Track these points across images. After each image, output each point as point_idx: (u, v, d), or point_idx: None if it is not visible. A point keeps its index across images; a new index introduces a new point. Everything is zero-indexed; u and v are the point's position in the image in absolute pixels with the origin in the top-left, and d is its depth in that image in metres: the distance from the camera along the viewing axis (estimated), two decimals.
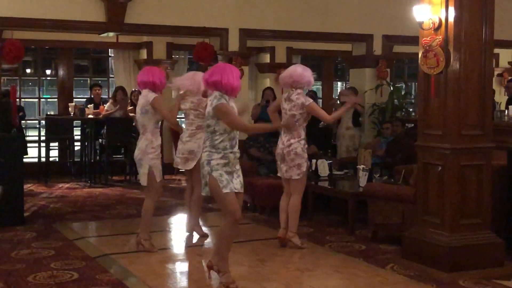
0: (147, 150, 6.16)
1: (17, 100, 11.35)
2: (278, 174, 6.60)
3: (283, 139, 6.38)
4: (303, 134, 6.40)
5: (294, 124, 6.25)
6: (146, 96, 6.20)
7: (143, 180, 6.25)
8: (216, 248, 5.29)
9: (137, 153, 6.26)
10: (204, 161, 5.00)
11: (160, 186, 6.45)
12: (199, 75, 6.48)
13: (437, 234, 5.67)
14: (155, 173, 6.20)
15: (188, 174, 6.94)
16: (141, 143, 6.20)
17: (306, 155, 6.41)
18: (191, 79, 6.67)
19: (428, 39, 5.70)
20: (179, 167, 6.88)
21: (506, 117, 8.36)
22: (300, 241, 6.43)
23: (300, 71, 6.41)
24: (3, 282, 5.29)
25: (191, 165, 6.67)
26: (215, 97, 4.99)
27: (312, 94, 11.81)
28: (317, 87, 15.49)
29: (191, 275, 5.79)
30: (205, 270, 5.44)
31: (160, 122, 6.47)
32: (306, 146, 6.48)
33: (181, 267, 6.05)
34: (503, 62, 14.28)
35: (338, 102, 10.85)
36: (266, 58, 13.16)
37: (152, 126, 6.21)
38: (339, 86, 16.21)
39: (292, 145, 6.32)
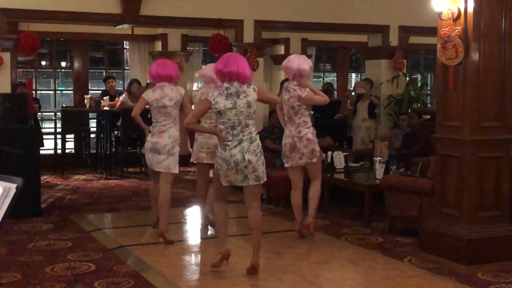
0: (178, 140, 6.36)
1: (33, 92, 11.39)
2: (286, 165, 6.56)
3: (291, 129, 6.42)
4: (309, 121, 6.48)
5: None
6: (178, 90, 6.30)
7: (175, 167, 6.30)
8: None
9: (168, 142, 6.28)
10: (257, 150, 5.14)
11: None
12: None
13: (455, 227, 5.62)
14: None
15: (207, 168, 6.89)
16: (173, 133, 6.31)
17: (317, 140, 6.49)
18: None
19: (446, 29, 5.63)
20: (204, 161, 6.76)
21: None
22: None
23: (298, 61, 6.39)
24: (21, 273, 5.32)
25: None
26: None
27: (328, 86, 11.80)
28: (331, 78, 15.43)
29: (208, 266, 5.78)
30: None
31: None
32: (315, 132, 6.53)
33: (197, 259, 6.05)
34: None
35: (353, 93, 10.80)
36: (281, 50, 13.11)
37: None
38: (354, 77, 16.13)
39: (302, 132, 6.37)
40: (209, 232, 6.80)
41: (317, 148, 6.48)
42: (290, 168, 6.54)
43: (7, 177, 2.36)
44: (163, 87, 6.28)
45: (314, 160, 6.47)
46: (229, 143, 5.09)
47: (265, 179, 5.25)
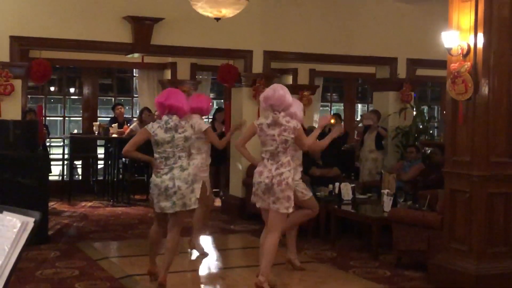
0: (202, 168, 6.87)
1: (42, 118, 11.46)
2: (257, 205, 5.61)
3: (269, 168, 5.46)
4: (292, 162, 5.58)
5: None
6: (200, 124, 6.73)
7: (197, 193, 6.38)
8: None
9: (191, 170, 6.30)
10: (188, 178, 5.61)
11: (210, 199, 7.23)
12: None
13: (464, 262, 5.61)
14: (207, 186, 6.98)
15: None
16: (196, 161, 6.80)
17: (293, 186, 5.61)
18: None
19: (456, 65, 5.68)
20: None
21: None
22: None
23: (283, 93, 5.60)
24: None
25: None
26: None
27: (336, 117, 11.82)
28: (337, 107, 15.49)
29: None
30: None
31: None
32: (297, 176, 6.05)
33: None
34: None
35: (361, 125, 10.83)
36: (289, 80, 13.16)
37: (207, 147, 6.98)
38: (360, 108, 16.18)
39: (284, 175, 5.43)
40: (208, 261, 6.80)
41: (292, 197, 5.50)
42: (262, 209, 5.63)
43: (25, 210, 2.38)
44: (198, 122, 6.74)
45: (284, 211, 5.46)
46: (161, 170, 5.52)
47: (194, 206, 5.62)
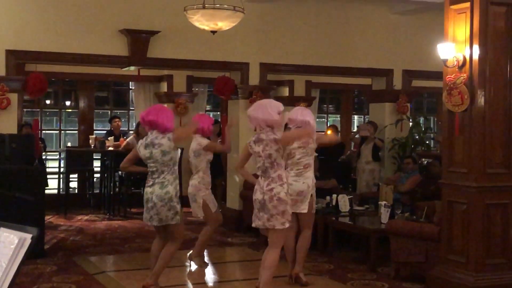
0: (199, 186, 6.95)
1: (38, 132, 11.45)
2: (253, 225, 5.57)
3: (262, 184, 5.43)
4: (284, 176, 5.49)
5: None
6: (198, 141, 6.96)
7: (199, 212, 7.03)
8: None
9: (190, 189, 7.02)
10: (164, 197, 5.72)
11: (218, 214, 7.21)
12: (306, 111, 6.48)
13: (462, 274, 5.60)
14: (209, 204, 7.00)
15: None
16: (194, 181, 7.00)
17: (289, 201, 5.50)
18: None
19: (452, 76, 5.70)
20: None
21: None
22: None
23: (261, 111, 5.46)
24: None
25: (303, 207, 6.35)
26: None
27: (332, 129, 11.83)
28: (334, 119, 15.51)
29: None
30: None
31: (209, 162, 7.07)
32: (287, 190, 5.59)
33: None
34: None
35: (357, 136, 10.84)
36: (285, 92, 13.18)
37: (204, 165, 6.99)
38: (356, 119, 16.21)
39: (274, 190, 5.34)
40: (205, 274, 6.78)
41: (289, 210, 5.44)
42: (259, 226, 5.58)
43: (22, 227, 2.37)
44: (197, 142, 7.04)
45: (281, 227, 5.38)
46: (148, 182, 5.81)
47: (171, 222, 5.68)
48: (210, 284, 6.61)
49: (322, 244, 7.97)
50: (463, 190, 5.64)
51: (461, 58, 5.66)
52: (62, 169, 11.72)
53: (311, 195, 6.34)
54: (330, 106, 15.83)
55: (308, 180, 6.30)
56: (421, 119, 12.98)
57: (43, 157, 11.56)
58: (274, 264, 5.43)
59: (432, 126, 15.23)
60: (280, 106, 5.51)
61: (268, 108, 5.39)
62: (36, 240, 2.30)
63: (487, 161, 5.58)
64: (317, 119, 14.95)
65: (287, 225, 5.39)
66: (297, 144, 6.23)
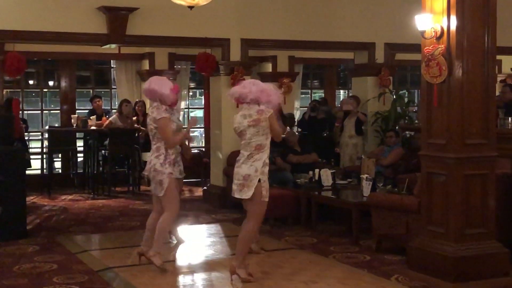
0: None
1: (20, 112, 11.36)
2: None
3: (150, 157, 6.09)
4: (162, 147, 5.95)
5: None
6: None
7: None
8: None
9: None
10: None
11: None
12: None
13: (442, 244, 5.62)
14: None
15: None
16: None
17: (167, 171, 5.90)
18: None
19: (430, 48, 5.67)
20: (234, 195, 5.70)
21: (510, 125, 8.30)
22: (160, 262, 5.99)
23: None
24: None
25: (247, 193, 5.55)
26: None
27: (315, 104, 11.83)
28: (319, 95, 15.48)
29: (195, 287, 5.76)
30: (209, 284, 5.41)
31: None
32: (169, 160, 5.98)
33: (184, 280, 6.00)
34: (506, 69, 14.24)
35: (341, 110, 10.82)
36: (269, 68, 13.15)
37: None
38: (342, 94, 16.19)
39: (152, 162, 5.98)
40: (189, 251, 6.79)
41: (166, 180, 5.88)
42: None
43: None
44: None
45: (160, 194, 5.97)
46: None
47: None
48: (196, 260, 6.61)
49: (305, 219, 8.01)
50: (442, 161, 5.64)
51: (438, 29, 5.62)
52: (45, 149, 11.65)
53: (260, 181, 5.48)
54: (314, 81, 15.79)
55: (256, 163, 5.49)
56: (405, 93, 12.96)
57: (26, 138, 11.48)
58: (246, 236, 5.62)
59: (415, 99, 15.24)
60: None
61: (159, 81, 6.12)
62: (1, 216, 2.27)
63: (465, 132, 5.57)
64: (301, 95, 14.95)
65: (161, 194, 5.99)
66: (248, 122, 5.55)
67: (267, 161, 5.57)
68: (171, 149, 6.05)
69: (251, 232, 5.60)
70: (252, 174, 5.44)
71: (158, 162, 5.96)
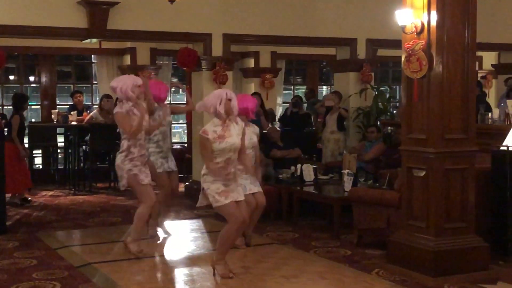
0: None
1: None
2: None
3: None
4: (125, 145, 6.20)
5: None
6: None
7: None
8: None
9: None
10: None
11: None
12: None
13: (422, 239, 5.66)
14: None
15: None
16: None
17: (126, 167, 6.16)
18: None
19: (410, 43, 5.70)
20: None
21: (489, 120, 8.38)
22: (136, 249, 6.24)
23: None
24: None
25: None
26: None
27: (297, 99, 11.85)
28: (302, 91, 15.50)
29: (176, 284, 5.73)
30: (190, 279, 5.39)
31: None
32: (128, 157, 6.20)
33: (165, 276, 5.98)
34: (487, 65, 14.35)
35: (322, 106, 10.84)
36: (251, 63, 13.13)
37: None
38: (324, 90, 16.21)
39: (116, 157, 6.36)
40: (172, 246, 6.77)
41: (124, 176, 6.21)
42: None
43: None
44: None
45: (121, 188, 6.42)
46: None
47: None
48: (177, 256, 6.59)
49: (287, 214, 8.01)
50: (422, 156, 5.67)
51: (419, 24, 5.65)
52: (25, 145, 11.52)
53: (204, 189, 5.59)
54: (297, 77, 15.80)
55: (204, 171, 5.61)
56: (387, 89, 13.01)
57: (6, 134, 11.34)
58: (140, 216, 6.27)
59: (397, 95, 15.31)
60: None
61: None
62: None
63: (445, 127, 5.60)
64: (284, 91, 14.95)
65: (121, 188, 6.45)
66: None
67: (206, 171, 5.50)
68: (135, 147, 6.20)
69: (228, 232, 5.54)
70: (203, 184, 5.56)
71: (120, 158, 6.25)
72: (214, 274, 5.62)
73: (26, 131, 11.13)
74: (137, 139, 6.24)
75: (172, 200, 7.67)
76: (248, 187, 6.45)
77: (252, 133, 6.59)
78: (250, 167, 5.96)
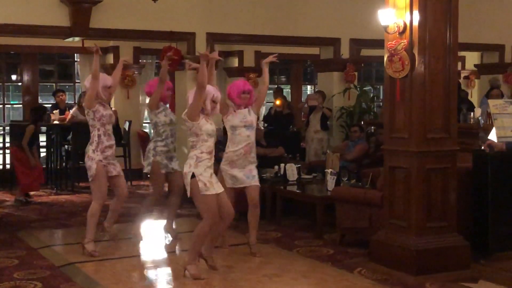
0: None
1: None
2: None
3: None
4: (95, 136, 6.40)
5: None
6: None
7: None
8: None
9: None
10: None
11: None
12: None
13: (404, 238, 5.69)
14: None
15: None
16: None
17: (97, 157, 6.35)
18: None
19: (393, 43, 5.72)
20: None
21: (471, 119, 8.44)
22: (91, 249, 6.36)
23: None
24: None
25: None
26: None
27: (283, 100, 11.85)
28: (286, 91, 15.52)
29: (158, 283, 5.71)
30: (172, 278, 5.37)
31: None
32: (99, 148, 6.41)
33: (147, 275, 5.95)
34: (469, 65, 14.45)
35: (306, 105, 10.86)
36: (235, 62, 13.12)
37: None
38: (309, 89, 16.25)
39: (86, 149, 6.48)
40: (154, 246, 6.75)
41: (93, 166, 6.35)
42: None
43: None
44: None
45: (89, 180, 6.46)
46: None
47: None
48: (160, 255, 6.57)
49: (270, 213, 8.01)
50: (404, 155, 5.70)
51: (401, 24, 5.67)
52: (7, 144, 11.44)
53: (195, 176, 5.48)
54: (281, 76, 15.82)
55: (190, 160, 5.58)
56: (370, 88, 13.06)
57: None
58: (92, 214, 6.53)
59: (381, 95, 15.38)
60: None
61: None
62: None
63: (427, 127, 5.63)
64: (268, 90, 14.92)
65: (90, 180, 6.41)
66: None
67: (205, 156, 5.47)
68: (104, 136, 6.42)
69: (202, 229, 5.47)
70: (186, 172, 5.47)
71: (91, 149, 6.39)
72: (184, 275, 5.53)
73: (8, 130, 11.06)
74: (106, 129, 6.43)
75: (177, 199, 7.43)
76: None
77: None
78: None
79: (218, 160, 8.33)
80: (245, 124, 6.22)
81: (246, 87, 6.34)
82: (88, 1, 8.77)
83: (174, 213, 7.29)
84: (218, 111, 5.73)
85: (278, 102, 11.89)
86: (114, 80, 6.83)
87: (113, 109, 6.90)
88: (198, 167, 5.42)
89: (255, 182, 6.34)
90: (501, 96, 10.42)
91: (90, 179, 6.44)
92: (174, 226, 7.27)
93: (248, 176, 6.31)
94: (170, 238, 7.12)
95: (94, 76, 6.41)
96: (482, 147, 6.60)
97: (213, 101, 5.56)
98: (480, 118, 8.22)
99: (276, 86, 15.41)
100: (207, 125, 5.46)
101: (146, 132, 12.77)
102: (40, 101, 12.53)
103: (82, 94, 10.93)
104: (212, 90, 5.59)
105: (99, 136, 6.38)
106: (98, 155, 6.36)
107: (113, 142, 6.53)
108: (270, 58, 6.59)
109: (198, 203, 5.49)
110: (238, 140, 6.21)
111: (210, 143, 5.50)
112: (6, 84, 12.95)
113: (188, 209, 8.99)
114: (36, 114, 9.77)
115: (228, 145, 6.33)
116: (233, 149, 6.23)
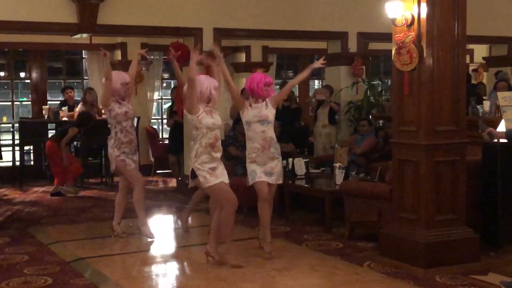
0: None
1: None
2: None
3: None
4: (112, 133, 6.82)
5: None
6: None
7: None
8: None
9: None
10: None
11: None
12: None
13: (413, 231, 5.68)
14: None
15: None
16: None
17: (115, 153, 6.76)
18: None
19: (401, 35, 5.70)
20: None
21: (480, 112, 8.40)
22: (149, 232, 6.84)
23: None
24: None
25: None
26: None
27: (290, 95, 11.82)
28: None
29: (168, 277, 5.73)
30: (182, 272, 5.40)
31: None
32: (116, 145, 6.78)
33: (157, 270, 5.97)
34: (478, 58, 14.38)
35: (313, 100, 10.84)
36: (242, 58, 13.10)
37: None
38: (316, 84, 16.21)
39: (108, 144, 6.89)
40: (164, 241, 6.77)
41: (113, 161, 6.83)
42: None
43: None
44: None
45: (111, 172, 7.16)
46: None
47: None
48: (169, 250, 6.59)
49: (279, 208, 8.01)
50: (413, 148, 5.68)
51: (409, 17, 5.65)
52: (16, 141, 11.49)
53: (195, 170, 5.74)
54: (288, 71, 15.79)
55: (192, 154, 5.86)
56: (378, 82, 13.02)
57: None
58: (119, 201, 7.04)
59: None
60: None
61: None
62: None
63: (435, 119, 5.61)
64: (275, 86, 14.91)
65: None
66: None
67: (205, 149, 5.62)
68: (121, 133, 6.79)
69: (224, 216, 5.69)
70: (192, 166, 5.69)
71: (109, 145, 6.83)
72: (207, 261, 5.72)
73: (17, 127, 11.11)
74: (123, 126, 6.77)
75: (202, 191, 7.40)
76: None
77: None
78: None
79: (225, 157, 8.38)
80: (259, 119, 6.16)
81: (267, 79, 6.31)
82: None
83: (195, 206, 7.46)
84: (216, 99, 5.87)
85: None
86: (131, 76, 7.09)
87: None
88: (196, 161, 5.62)
89: (273, 181, 6.24)
90: (507, 88, 10.36)
91: (111, 171, 7.35)
92: (190, 221, 7.36)
93: (267, 173, 6.22)
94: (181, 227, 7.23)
95: (107, 77, 6.72)
96: (483, 136, 6.59)
97: (215, 90, 5.74)
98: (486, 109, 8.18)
99: (281, 80, 15.46)
100: (207, 119, 5.56)
101: (154, 128, 12.79)
102: (48, 98, 12.55)
103: (86, 90, 10.98)
104: (209, 80, 5.76)
105: (115, 133, 6.79)
106: (115, 151, 6.78)
107: (132, 136, 6.89)
108: (319, 63, 6.58)
109: (210, 194, 5.94)
110: (253, 136, 6.18)
111: (210, 135, 5.60)
112: (14, 81, 12.98)
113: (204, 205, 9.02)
114: (83, 119, 10.05)
115: (247, 141, 6.35)
116: (250, 145, 6.22)
